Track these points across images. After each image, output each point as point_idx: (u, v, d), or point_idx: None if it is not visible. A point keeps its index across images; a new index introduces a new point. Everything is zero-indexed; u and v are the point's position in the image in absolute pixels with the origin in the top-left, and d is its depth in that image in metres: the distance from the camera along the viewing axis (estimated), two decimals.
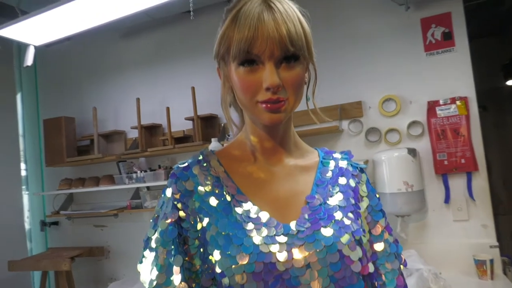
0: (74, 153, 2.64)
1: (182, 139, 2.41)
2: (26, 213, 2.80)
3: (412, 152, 1.76)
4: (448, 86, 1.87)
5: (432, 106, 1.88)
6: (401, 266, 0.67)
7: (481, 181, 1.83)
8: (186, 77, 2.45)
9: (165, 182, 1.95)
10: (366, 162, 1.94)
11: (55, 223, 2.85)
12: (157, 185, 2.38)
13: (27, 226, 2.79)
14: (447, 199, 1.86)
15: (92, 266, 2.74)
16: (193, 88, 2.28)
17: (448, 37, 1.87)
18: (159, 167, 2.45)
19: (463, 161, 1.82)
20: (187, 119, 2.36)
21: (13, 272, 2.47)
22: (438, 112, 1.86)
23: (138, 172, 2.40)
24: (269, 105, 0.58)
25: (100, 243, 2.72)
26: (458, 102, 1.83)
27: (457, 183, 1.86)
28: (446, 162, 1.84)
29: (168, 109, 2.39)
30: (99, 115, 2.58)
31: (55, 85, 2.95)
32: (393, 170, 1.75)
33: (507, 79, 3.73)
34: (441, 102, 1.86)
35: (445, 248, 1.85)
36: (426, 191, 1.89)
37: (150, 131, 2.53)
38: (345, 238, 0.58)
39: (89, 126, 2.70)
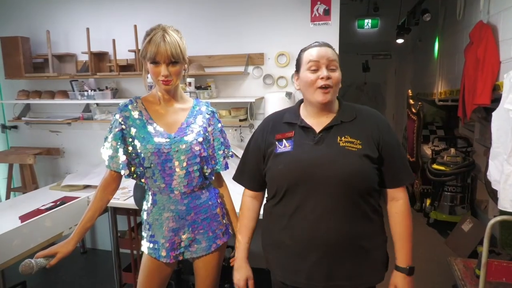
0: (31, 69, 3.11)
1: (126, 67, 2.99)
2: None
3: (288, 94, 2.57)
4: None
5: None
6: (226, 151, 1.50)
7: None
8: (130, 15, 2.95)
9: (111, 101, 2.74)
10: (261, 98, 2.74)
11: (15, 127, 3.40)
12: (105, 102, 3.01)
13: None
14: None
15: (49, 163, 3.41)
16: (135, 26, 2.82)
17: (326, 13, 2.59)
18: (106, 88, 3.05)
19: None
20: (130, 51, 2.92)
21: None
22: None
23: (89, 90, 2.99)
24: (164, 81, 1.30)
25: (56, 145, 3.36)
26: None
27: None
28: None
29: (114, 40, 2.92)
30: (51, 37, 3.01)
31: (9, 4, 3.24)
32: (274, 105, 2.55)
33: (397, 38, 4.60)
34: None
35: None
36: None
37: (98, 57, 3.05)
38: (193, 140, 1.37)
39: (42, 46, 3.13)
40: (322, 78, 1.16)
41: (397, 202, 1.26)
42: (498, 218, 1.80)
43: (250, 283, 1.37)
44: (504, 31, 2.31)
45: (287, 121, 1.28)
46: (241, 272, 1.37)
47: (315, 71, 1.18)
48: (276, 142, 1.25)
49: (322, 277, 1.19)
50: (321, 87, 1.17)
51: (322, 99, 1.18)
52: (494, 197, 2.28)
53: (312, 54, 1.20)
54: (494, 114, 2.05)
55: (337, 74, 1.20)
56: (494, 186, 2.05)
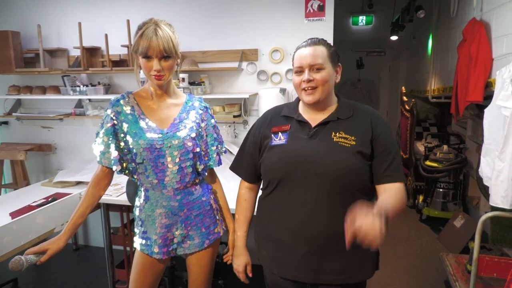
0: (21, 64, 3.06)
1: (119, 62, 2.96)
2: None
3: (283, 90, 2.56)
4: None
5: None
6: (219, 147, 1.49)
7: None
8: (122, 10, 2.91)
9: (104, 96, 2.72)
10: (255, 94, 2.73)
11: (6, 123, 3.35)
12: (97, 98, 2.98)
13: None
14: None
15: (41, 159, 3.37)
16: (128, 21, 2.78)
17: (321, 9, 2.58)
18: (99, 83, 3.02)
19: None
20: (123, 46, 2.89)
21: None
22: None
23: (81, 86, 2.95)
24: (156, 76, 1.29)
25: (47, 141, 3.32)
26: None
27: None
28: None
29: (106, 35, 2.89)
30: (42, 31, 2.97)
31: None
32: (268, 101, 2.54)
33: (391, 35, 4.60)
34: None
35: None
36: None
37: (91, 52, 3.02)
38: (186, 136, 1.36)
39: (33, 41, 3.09)
40: (304, 81, 1.19)
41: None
42: (489, 214, 1.81)
43: (249, 269, 1.43)
44: (497, 28, 2.32)
45: (285, 114, 1.31)
46: (240, 258, 1.43)
47: (300, 73, 1.21)
48: (272, 135, 1.28)
49: (309, 271, 1.21)
50: (304, 89, 1.20)
51: (306, 100, 1.22)
52: (485, 193, 2.29)
53: (298, 56, 1.22)
54: (486, 111, 2.06)
55: (323, 74, 1.19)
56: (485, 183, 2.07)
